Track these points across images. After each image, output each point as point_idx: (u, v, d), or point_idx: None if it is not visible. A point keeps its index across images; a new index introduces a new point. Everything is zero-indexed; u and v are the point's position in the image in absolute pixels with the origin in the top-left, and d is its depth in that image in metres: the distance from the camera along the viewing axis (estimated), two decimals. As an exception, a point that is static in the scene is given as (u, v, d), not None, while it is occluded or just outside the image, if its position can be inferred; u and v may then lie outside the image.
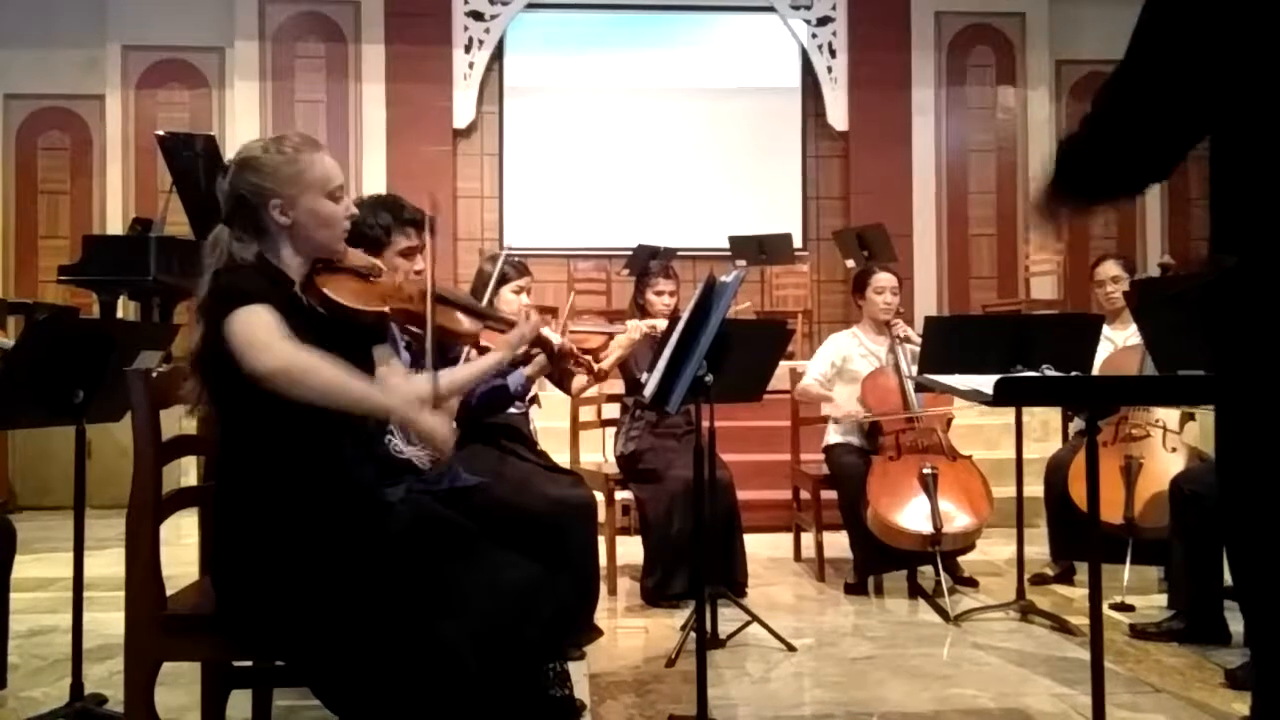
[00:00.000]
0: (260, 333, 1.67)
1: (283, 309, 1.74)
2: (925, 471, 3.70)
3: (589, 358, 2.81)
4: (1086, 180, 1.69)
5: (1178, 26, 1.53)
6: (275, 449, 1.78)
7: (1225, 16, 1.49)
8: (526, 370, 2.98)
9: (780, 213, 8.33)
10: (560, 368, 2.72)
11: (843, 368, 4.13)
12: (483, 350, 2.28)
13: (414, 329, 2.06)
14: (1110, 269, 4.15)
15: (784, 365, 3.89)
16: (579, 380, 3.48)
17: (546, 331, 2.71)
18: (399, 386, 1.91)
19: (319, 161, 1.85)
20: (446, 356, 2.34)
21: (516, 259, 3.36)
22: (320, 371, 1.66)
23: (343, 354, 1.78)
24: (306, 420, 1.76)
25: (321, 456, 1.81)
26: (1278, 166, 1.50)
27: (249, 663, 2.13)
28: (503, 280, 3.18)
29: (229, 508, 1.82)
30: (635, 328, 3.54)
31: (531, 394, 3.33)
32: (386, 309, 1.92)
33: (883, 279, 4.15)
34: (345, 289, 1.88)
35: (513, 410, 3.23)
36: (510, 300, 3.25)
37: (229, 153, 7.37)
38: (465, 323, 2.14)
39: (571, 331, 3.28)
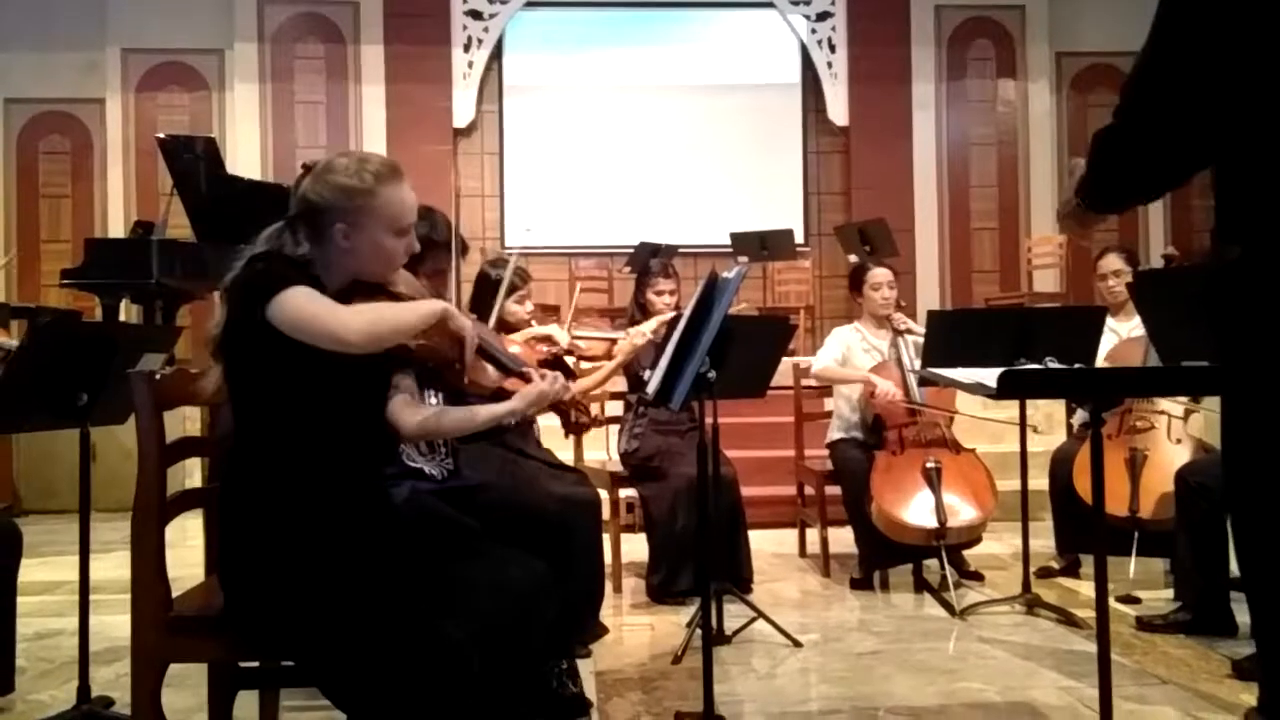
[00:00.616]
0: (321, 309, 1.68)
1: None
2: (929, 466, 3.70)
3: (591, 411, 2.76)
4: (1130, 172, 1.67)
5: (1195, 20, 1.52)
6: (288, 442, 1.78)
7: (1236, 8, 1.49)
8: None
9: (781, 209, 8.31)
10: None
11: (847, 361, 4.13)
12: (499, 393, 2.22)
13: (432, 367, 2.00)
14: (1113, 262, 4.14)
15: (787, 361, 3.89)
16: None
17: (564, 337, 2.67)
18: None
19: (395, 198, 1.83)
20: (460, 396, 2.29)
21: (519, 266, 3.33)
22: (385, 315, 1.73)
23: (364, 363, 1.78)
24: (324, 413, 1.77)
25: (333, 454, 1.82)
26: None
27: (255, 664, 2.14)
28: (510, 290, 3.17)
29: (237, 506, 1.82)
30: (639, 333, 3.52)
31: None
32: (412, 346, 1.85)
33: (878, 275, 4.15)
34: None
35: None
36: (514, 310, 3.24)
37: (229, 155, 7.41)
38: (492, 376, 2.07)
39: (575, 337, 3.28)
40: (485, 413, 2.06)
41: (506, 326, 3.19)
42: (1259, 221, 1.53)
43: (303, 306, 1.68)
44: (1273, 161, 1.51)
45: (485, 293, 3.23)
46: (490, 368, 2.02)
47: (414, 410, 2.06)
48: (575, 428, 2.52)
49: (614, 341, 3.49)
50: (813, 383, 4.45)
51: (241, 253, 1.82)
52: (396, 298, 1.89)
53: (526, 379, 2.05)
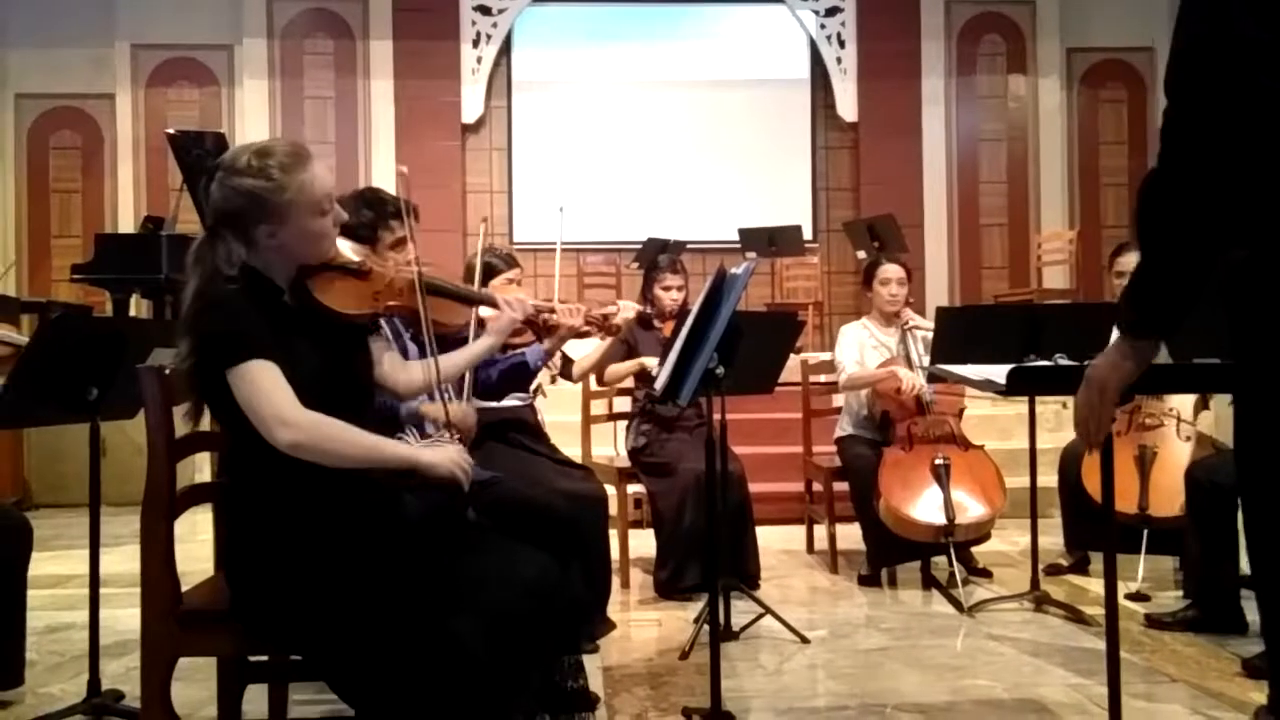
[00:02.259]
0: (271, 404, 1.68)
1: (274, 323, 1.76)
2: (938, 462, 3.68)
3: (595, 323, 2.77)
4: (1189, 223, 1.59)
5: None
6: (279, 451, 1.78)
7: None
8: (545, 344, 2.96)
9: (790, 205, 8.29)
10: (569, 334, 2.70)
11: (861, 360, 4.12)
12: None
13: (412, 322, 2.11)
14: (1133, 261, 4.08)
15: (795, 357, 3.88)
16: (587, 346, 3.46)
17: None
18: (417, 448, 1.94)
19: (307, 182, 1.80)
20: (448, 342, 2.36)
21: (503, 251, 3.35)
22: (339, 441, 1.72)
23: (340, 350, 1.82)
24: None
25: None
26: None
27: (265, 658, 2.15)
28: (491, 274, 3.17)
29: (240, 504, 1.83)
30: (626, 306, 3.53)
31: (535, 384, 3.33)
32: (380, 308, 1.93)
33: (889, 270, 4.13)
34: (337, 292, 1.87)
35: (518, 403, 3.24)
36: None
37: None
38: (459, 311, 2.20)
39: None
40: (469, 352, 2.17)
41: None
42: (1265, 225, 1.52)
43: (256, 392, 1.68)
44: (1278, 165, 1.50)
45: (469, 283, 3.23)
46: (454, 303, 2.16)
47: (405, 369, 2.11)
48: (549, 330, 2.62)
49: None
50: (821, 379, 4.45)
51: (186, 265, 1.82)
52: (351, 272, 1.91)
53: (493, 304, 2.23)
